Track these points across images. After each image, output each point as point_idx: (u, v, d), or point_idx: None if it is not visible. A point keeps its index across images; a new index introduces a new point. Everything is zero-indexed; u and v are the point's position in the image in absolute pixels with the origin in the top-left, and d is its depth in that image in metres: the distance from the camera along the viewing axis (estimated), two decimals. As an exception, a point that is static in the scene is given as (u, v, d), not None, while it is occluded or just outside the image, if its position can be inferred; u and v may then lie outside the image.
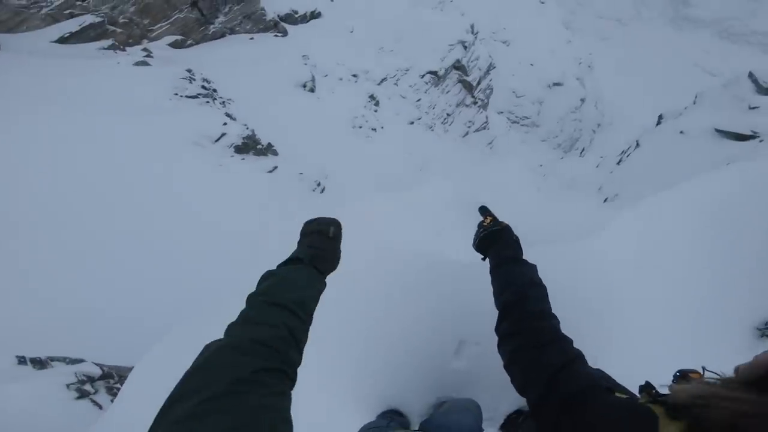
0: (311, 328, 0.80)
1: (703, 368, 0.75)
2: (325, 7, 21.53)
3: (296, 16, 20.33)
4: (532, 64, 31.71)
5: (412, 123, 21.64)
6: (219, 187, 9.66)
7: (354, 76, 19.71)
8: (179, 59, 14.26)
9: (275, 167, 11.83)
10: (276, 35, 18.78)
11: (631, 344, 1.88)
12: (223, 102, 13.01)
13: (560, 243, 2.13)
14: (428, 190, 3.43)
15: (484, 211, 1.38)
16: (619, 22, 64.05)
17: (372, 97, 19.39)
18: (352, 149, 15.99)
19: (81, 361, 4.20)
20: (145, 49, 14.22)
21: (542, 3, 37.16)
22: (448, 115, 24.55)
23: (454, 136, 24.66)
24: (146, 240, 7.39)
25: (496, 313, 1.09)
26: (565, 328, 0.99)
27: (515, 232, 1.27)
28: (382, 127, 18.58)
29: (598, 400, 0.75)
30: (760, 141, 11.73)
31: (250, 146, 11.83)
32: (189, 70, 12.47)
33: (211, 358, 0.61)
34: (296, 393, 0.67)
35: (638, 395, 0.85)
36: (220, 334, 0.69)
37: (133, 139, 9.12)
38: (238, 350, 0.62)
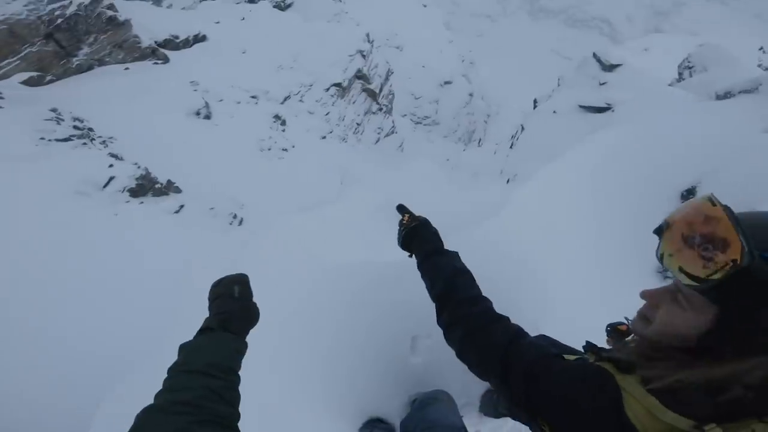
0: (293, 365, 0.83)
1: (626, 319, 0.83)
2: (210, 29, 20.34)
3: (177, 41, 18.84)
4: (423, 66, 34.09)
5: (324, 137, 21.55)
6: (119, 241, 8.46)
7: (253, 97, 18.95)
8: (39, 98, 12.21)
9: (181, 206, 10.79)
10: (156, 63, 17.17)
11: (557, 301, 2.11)
12: (104, 141, 11.47)
13: (471, 226, 2.31)
14: (351, 201, 3.49)
15: (401, 209, 1.45)
16: (489, 18, 72.59)
17: (277, 117, 18.84)
18: (265, 173, 15.34)
19: None
20: (-7, 90, 11.90)
21: (425, 6, 40.18)
22: (358, 124, 25.04)
23: (367, 145, 25.24)
24: (51, 308, 6.43)
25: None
26: (500, 302, 1.08)
27: (433, 225, 1.34)
28: (293, 146, 18.16)
29: (552, 367, 0.81)
30: (613, 111, 14.19)
31: (146, 187, 10.61)
32: (54, 110, 10.74)
33: (142, 421, 0.67)
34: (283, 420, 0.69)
35: (584, 354, 0.90)
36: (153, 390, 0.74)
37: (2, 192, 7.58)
38: (164, 411, 0.68)
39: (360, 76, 24.83)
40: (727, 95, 5.83)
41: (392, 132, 28.22)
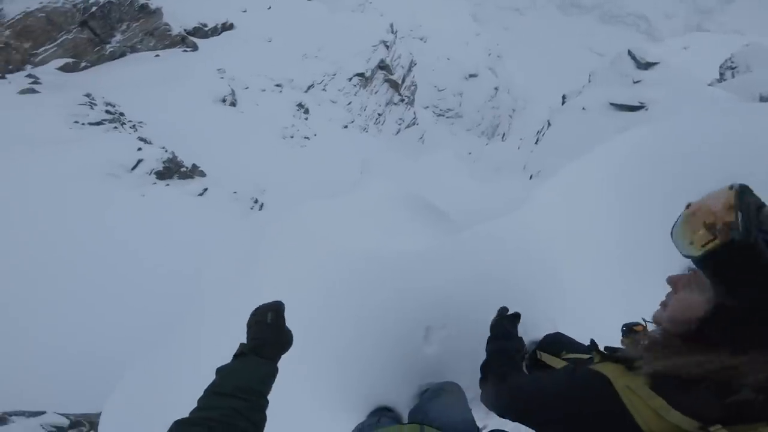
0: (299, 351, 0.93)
1: (644, 320, 0.82)
2: (237, 18, 20.64)
3: (206, 29, 19.20)
4: (448, 58, 33.51)
5: (346, 127, 21.64)
6: (147, 220, 8.80)
7: (278, 85, 19.17)
8: (74, 84, 12.75)
9: (205, 189, 11.10)
10: (185, 50, 17.58)
11: (575, 299, 2.07)
12: (134, 126, 11.90)
13: (492, 219, 2.29)
14: (372, 190, 3.48)
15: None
16: (517, 11, 70.46)
17: (300, 105, 19.02)
18: (287, 160, 15.56)
19: (42, 413, 4.06)
20: (30, 75, 12.52)
21: None
22: (379, 115, 24.98)
23: (388, 135, 25.17)
24: (83, 282, 6.86)
25: (455, 296, 1.48)
26: (517, 298, 1.08)
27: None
28: (315, 135, 18.31)
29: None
30: (646, 110, 13.59)
31: (173, 170, 10.96)
32: (88, 95, 11.22)
33: (170, 430, 0.76)
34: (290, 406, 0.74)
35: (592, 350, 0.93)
36: (174, 369, 0.81)
37: (38, 179, 8.02)
38: (189, 423, 0.78)
39: (383, 66, 24.68)
40: None
41: (413, 123, 28.01)
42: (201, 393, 0.88)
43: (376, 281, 2.13)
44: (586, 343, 1.33)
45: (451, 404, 1.44)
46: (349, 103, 22.61)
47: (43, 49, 13.71)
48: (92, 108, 10.96)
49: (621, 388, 0.69)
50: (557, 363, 1.25)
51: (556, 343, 1.47)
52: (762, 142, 2.53)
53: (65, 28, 14.12)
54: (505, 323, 1.43)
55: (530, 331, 1.82)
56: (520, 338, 1.38)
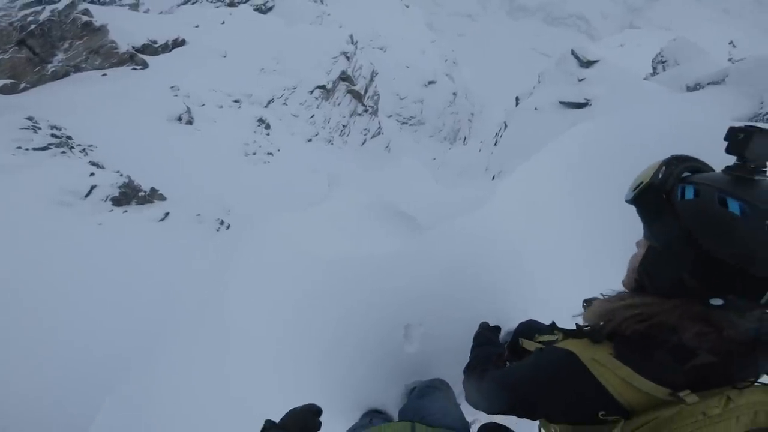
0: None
1: (601, 294, 0.88)
2: (189, 33, 20.03)
3: (156, 46, 18.50)
4: (407, 66, 34.29)
5: (310, 140, 21.44)
6: (106, 249, 8.27)
7: (236, 101, 18.75)
8: (13, 106, 11.87)
9: (167, 214, 10.59)
10: (134, 68, 16.85)
11: (544, 286, 2.18)
12: (84, 150, 11.21)
13: (457, 218, 2.39)
14: (339, 200, 3.52)
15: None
16: (469, 18, 73.62)
17: (261, 120, 18.67)
18: (251, 178, 15.19)
19: None
20: (-38, 100, 11.55)
21: (407, 7, 40.41)
22: (344, 126, 24.99)
23: (354, 146, 25.21)
24: (33, 319, 6.38)
25: (428, 293, 1.74)
26: (489, 289, 1.15)
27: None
28: (279, 150, 18.02)
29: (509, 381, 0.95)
30: (591, 105, 14.54)
31: (130, 195, 10.41)
32: (30, 118, 10.44)
33: None
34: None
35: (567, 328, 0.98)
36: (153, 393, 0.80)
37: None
38: None
39: (344, 77, 24.79)
40: (696, 87, 6.08)
41: (378, 133, 28.27)
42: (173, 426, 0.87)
43: (350, 285, 2.17)
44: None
45: (440, 400, 1.48)
46: (312, 116, 22.45)
47: (-23, 70, 12.77)
48: (36, 132, 10.21)
49: (588, 361, 0.73)
50: (533, 347, 1.33)
51: (530, 329, 1.55)
52: (688, 127, 2.82)
53: (1, 48, 13.23)
54: (487, 333, 1.52)
55: (504, 323, 1.91)
56: (502, 345, 1.47)
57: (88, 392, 4.64)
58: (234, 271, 2.36)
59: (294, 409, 1.12)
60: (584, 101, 15.18)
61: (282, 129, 19.71)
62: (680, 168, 0.74)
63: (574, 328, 0.86)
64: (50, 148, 10.14)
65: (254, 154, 16.87)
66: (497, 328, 1.62)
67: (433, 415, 1.36)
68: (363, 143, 26.47)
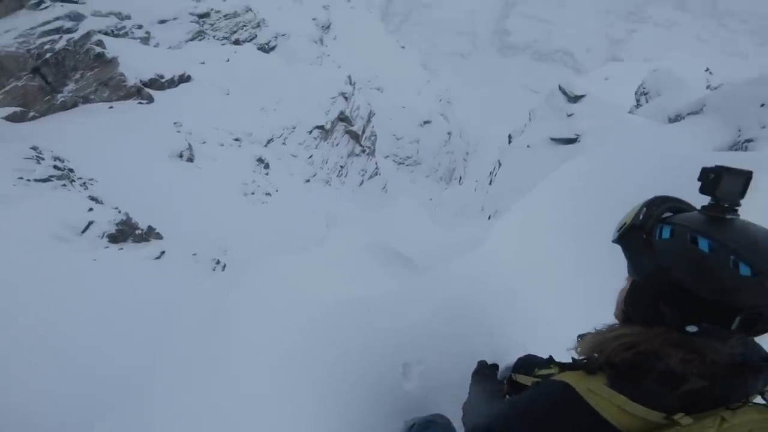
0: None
1: (594, 328, 0.92)
2: (195, 70, 20.74)
3: (162, 80, 19.11)
4: (404, 107, 35.64)
5: (308, 181, 21.76)
6: (99, 286, 8.14)
7: (236, 140, 19.22)
8: (20, 135, 11.96)
9: (162, 252, 10.49)
10: (140, 102, 17.31)
11: (541, 322, 2.19)
12: (84, 183, 11.30)
13: (455, 259, 2.44)
14: (337, 242, 3.58)
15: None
16: (462, 56, 77.38)
17: (260, 159, 19.03)
18: (249, 218, 15.22)
19: None
20: (-30, 124, 11.67)
21: (403, 48, 42.62)
22: (341, 167, 25.48)
23: (351, 187, 25.59)
24: (21, 353, 6.16)
25: (427, 331, 1.84)
26: (488, 327, 1.24)
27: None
28: (277, 190, 18.21)
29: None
30: (579, 141, 15.01)
31: (126, 233, 10.37)
32: (35, 148, 10.53)
33: None
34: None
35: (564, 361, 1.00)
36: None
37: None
38: None
39: (343, 118, 25.55)
40: (677, 118, 6.36)
41: (376, 173, 28.82)
42: None
43: (349, 325, 2.19)
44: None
45: None
46: (311, 156, 22.91)
47: (-12, 96, 12.78)
48: (39, 162, 10.30)
49: (584, 392, 0.75)
50: (530, 381, 1.33)
51: (529, 364, 1.55)
52: (672, 160, 2.96)
53: (15, 74, 13.32)
54: (485, 371, 1.57)
55: (502, 359, 1.90)
56: (501, 381, 1.50)
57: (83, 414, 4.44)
58: (232, 309, 2.37)
59: None
60: (574, 137, 15.73)
61: (281, 169, 20.04)
62: (661, 209, 0.83)
63: (570, 361, 0.90)
64: (51, 180, 10.21)
65: (253, 194, 17.04)
66: (495, 366, 1.63)
67: None
68: (360, 184, 26.92)
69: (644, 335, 0.75)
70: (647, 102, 14.86)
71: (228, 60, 22.80)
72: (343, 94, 25.51)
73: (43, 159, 10.49)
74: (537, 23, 78.36)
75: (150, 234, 11.02)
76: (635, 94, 16.42)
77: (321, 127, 23.69)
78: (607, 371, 0.77)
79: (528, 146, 17.09)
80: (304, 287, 2.56)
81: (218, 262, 11.66)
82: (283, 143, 21.65)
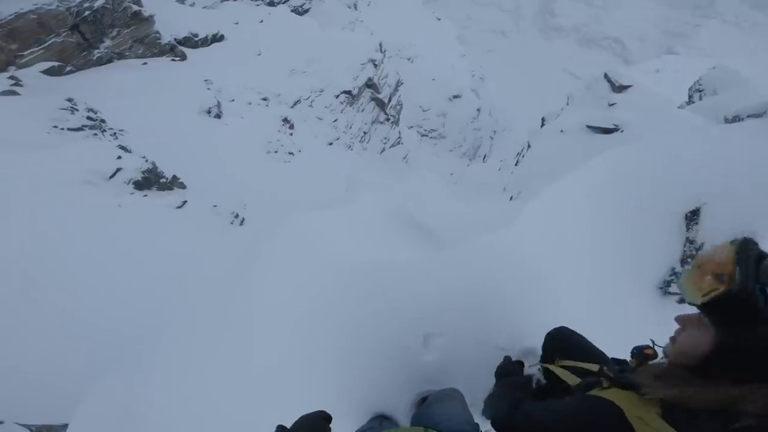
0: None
1: (652, 342, 0.89)
2: (228, 29, 20.72)
3: (196, 39, 19.20)
4: (434, 79, 34.42)
5: (330, 144, 21.71)
6: (121, 231, 8.50)
7: (264, 99, 19.18)
8: (57, 88, 12.45)
9: (184, 202, 10.81)
10: (173, 59, 17.48)
11: (563, 307, 2.14)
12: (114, 133, 11.62)
13: (484, 234, 2.35)
14: (363, 205, 3.52)
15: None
16: (502, 34, 73.56)
17: (286, 120, 19.03)
18: (270, 175, 15.42)
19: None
20: (12, 77, 12.17)
21: (439, 20, 40.73)
22: (364, 133, 25.21)
23: (372, 154, 25.38)
24: (51, 292, 6.54)
25: (451, 304, 1.76)
26: (511, 304, 1.39)
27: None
28: (300, 151, 18.29)
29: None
30: (621, 132, 14.16)
31: (152, 181, 10.67)
32: (70, 99, 10.91)
33: None
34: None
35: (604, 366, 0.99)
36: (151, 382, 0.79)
37: (11, 185, 7.72)
38: None
39: (370, 84, 25.07)
40: (735, 119, 5.83)
41: (398, 143, 28.38)
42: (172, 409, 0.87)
43: (373, 290, 2.18)
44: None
45: (453, 408, 1.45)
46: (335, 121, 22.74)
47: (29, 51, 13.44)
48: (73, 113, 10.66)
49: (633, 419, 0.73)
50: (571, 379, 1.25)
51: (562, 341, 1.45)
52: (725, 164, 2.71)
53: (55, 31, 13.90)
54: (511, 366, 1.53)
55: (524, 339, 1.86)
56: (527, 376, 1.47)
57: (85, 370, 4.76)
58: (255, 265, 2.38)
59: (305, 416, 1.14)
60: (613, 126, 14.86)
61: (305, 130, 20.02)
62: (755, 266, 0.71)
63: (620, 373, 0.87)
64: (84, 130, 10.55)
65: (276, 152, 17.16)
66: (520, 363, 1.61)
67: (447, 423, 1.32)
68: (382, 151, 26.61)
69: (741, 395, 0.68)
70: (701, 100, 13.74)
71: (261, 21, 22.51)
72: (372, 61, 24.93)
73: (77, 110, 10.81)
74: (586, 7, 73.05)
75: (174, 183, 11.31)
76: (689, 90, 15.19)
77: (348, 92, 23.38)
78: (662, 401, 0.74)
79: (561, 131, 16.27)
80: (327, 247, 2.53)
81: (237, 216, 11.94)
82: (310, 105, 21.53)
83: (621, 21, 71.28)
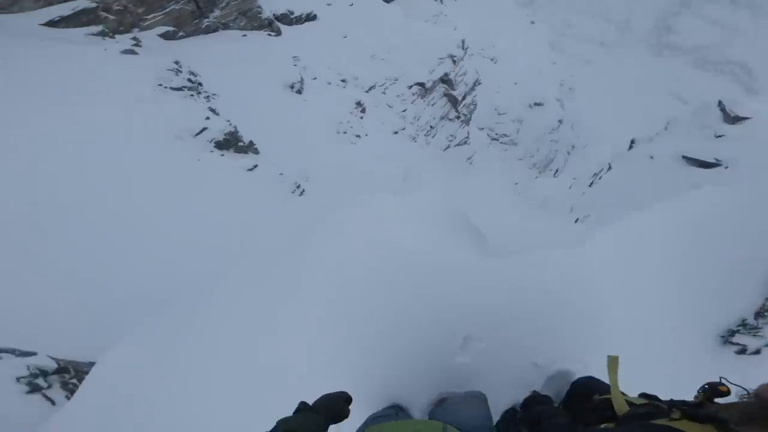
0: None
1: (726, 380, 0.85)
2: (321, 10, 21.59)
3: (292, 16, 20.28)
4: (516, 83, 32.74)
5: (396, 133, 21.84)
6: (195, 183, 9.43)
7: (343, 81, 19.77)
8: (168, 50, 13.91)
9: (255, 166, 11.64)
10: (269, 34, 18.65)
11: (617, 345, 1.97)
12: (208, 96, 12.75)
13: (546, 249, 2.22)
14: (420, 197, 3.48)
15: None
16: (602, 45, 67.44)
17: (359, 103, 19.48)
18: (335, 154, 15.96)
19: (33, 353, 3.90)
20: (134, 38, 13.78)
21: (532, 23, 38.60)
22: (431, 127, 24.92)
23: (436, 149, 25.04)
24: (112, 232, 7.19)
25: (498, 312, 1.72)
26: (559, 328, 1.27)
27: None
28: (366, 135, 18.66)
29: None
30: (725, 168, 12.38)
31: (231, 143, 11.61)
32: (176, 62, 12.18)
33: None
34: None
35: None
36: (187, 336, 0.82)
37: (114, 130, 8.84)
38: None
39: (445, 80, 24.61)
40: None
41: (465, 142, 27.62)
42: (201, 367, 0.91)
43: (421, 282, 2.17)
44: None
45: (475, 408, 1.44)
46: (404, 111, 22.76)
47: (152, 15, 15.09)
48: (177, 74, 11.89)
49: None
50: (623, 408, 1.14)
51: (588, 387, 1.40)
52: None
53: None
54: (541, 397, 1.54)
55: (558, 362, 1.74)
56: (557, 407, 1.48)
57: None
58: (310, 241, 2.45)
59: (327, 395, 1.19)
60: (714, 161, 13.02)
61: (375, 116, 20.34)
62: None
63: (694, 407, 0.82)
64: (183, 90, 11.71)
65: (345, 133, 17.67)
66: (547, 397, 1.55)
67: (466, 423, 1.30)
68: (446, 148, 26.10)
69: None
70: (836, 142, 11.50)
71: (352, 4, 22.99)
72: (451, 56, 24.43)
73: (180, 71, 12.04)
74: (710, 26, 63.86)
75: (249, 147, 12.20)
76: (822, 131, 12.73)
77: (421, 85, 23.23)
78: None
79: (651, 157, 14.67)
80: (384, 234, 2.54)
81: (298, 186, 12.59)
82: (383, 92, 21.79)
83: (752, 44, 61.46)
